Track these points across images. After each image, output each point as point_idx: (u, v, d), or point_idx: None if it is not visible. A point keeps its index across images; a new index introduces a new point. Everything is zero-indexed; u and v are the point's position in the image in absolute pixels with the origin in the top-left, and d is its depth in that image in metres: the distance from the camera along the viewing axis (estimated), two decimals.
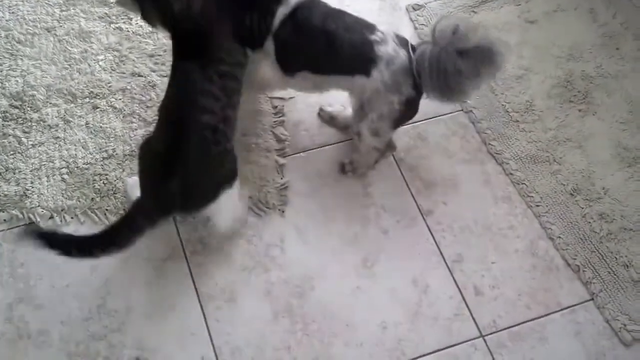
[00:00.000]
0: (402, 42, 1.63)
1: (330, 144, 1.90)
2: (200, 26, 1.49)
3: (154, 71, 1.96)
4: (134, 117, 1.88)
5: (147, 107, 1.90)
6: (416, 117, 1.92)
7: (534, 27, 2.13)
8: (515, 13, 2.16)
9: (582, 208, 1.82)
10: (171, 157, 1.41)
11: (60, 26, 2.03)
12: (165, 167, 1.41)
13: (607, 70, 2.06)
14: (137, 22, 2.02)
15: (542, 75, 2.05)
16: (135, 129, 1.86)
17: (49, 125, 1.85)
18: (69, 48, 1.99)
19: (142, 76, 1.95)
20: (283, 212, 1.78)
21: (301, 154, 1.88)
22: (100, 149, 1.81)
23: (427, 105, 1.95)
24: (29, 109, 1.87)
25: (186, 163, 1.41)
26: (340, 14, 1.66)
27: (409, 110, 1.68)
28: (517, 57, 2.07)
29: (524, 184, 1.86)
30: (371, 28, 1.64)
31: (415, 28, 2.12)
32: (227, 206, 1.58)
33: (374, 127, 1.69)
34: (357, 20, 1.67)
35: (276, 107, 1.94)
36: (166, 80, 1.89)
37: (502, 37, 2.09)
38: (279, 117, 1.92)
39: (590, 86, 2.03)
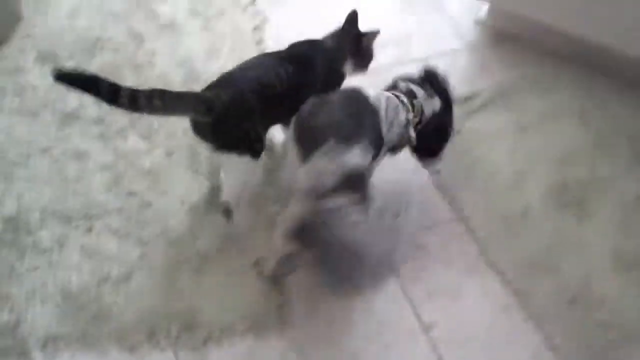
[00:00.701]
0: None
1: None
2: None
3: (149, 190, 1.98)
4: (130, 238, 1.88)
5: (142, 227, 1.90)
6: (414, 226, 1.97)
7: (526, 133, 2.18)
8: (507, 120, 2.21)
9: (583, 316, 1.82)
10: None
11: (56, 146, 2.05)
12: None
13: (601, 174, 2.10)
14: (134, 140, 2.05)
15: (536, 181, 2.08)
16: (131, 251, 1.86)
17: (43, 248, 1.85)
18: (64, 169, 2.01)
19: (137, 195, 1.97)
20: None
21: None
22: (95, 272, 1.81)
23: (425, 214, 2.00)
24: (23, 232, 1.87)
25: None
26: None
27: None
28: (511, 164, 2.11)
29: (524, 293, 1.86)
30: None
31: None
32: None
33: None
34: None
35: None
36: (163, 198, 1.95)
37: (496, 144, 2.15)
38: None
39: (585, 190, 2.06)
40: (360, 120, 1.68)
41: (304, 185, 1.63)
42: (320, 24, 1.99)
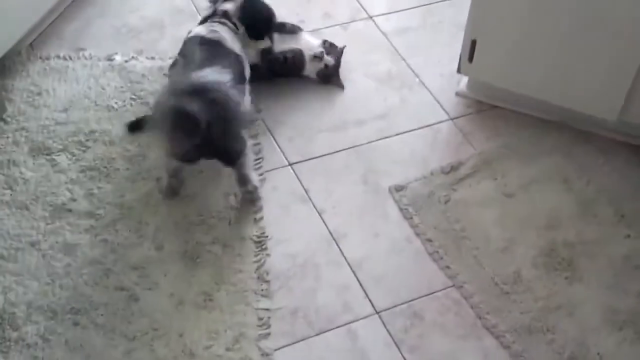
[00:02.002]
0: None
1: None
2: None
3: (137, 284, 2.03)
4: (115, 334, 1.91)
5: (129, 322, 1.94)
6: (410, 295, 2.05)
7: (512, 200, 2.29)
8: (493, 188, 2.32)
9: None
10: None
11: (45, 240, 2.10)
12: None
13: (588, 236, 2.20)
14: (123, 234, 2.11)
15: (525, 246, 2.18)
16: (116, 346, 1.89)
17: (27, 344, 1.88)
18: (53, 262, 2.05)
19: (125, 290, 2.01)
20: None
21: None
22: None
23: (420, 282, 2.09)
24: (8, 327, 1.90)
25: None
26: None
27: None
28: (500, 230, 2.21)
29: (522, 356, 1.94)
30: None
31: (400, 209, 2.27)
32: None
33: None
34: None
35: (262, 318, 2.00)
36: (151, 292, 1.99)
37: (484, 212, 2.26)
38: (265, 329, 1.98)
39: (574, 253, 2.16)
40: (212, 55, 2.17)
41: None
42: None
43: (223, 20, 2.32)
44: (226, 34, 2.28)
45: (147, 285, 2.03)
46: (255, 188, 2.22)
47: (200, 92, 1.92)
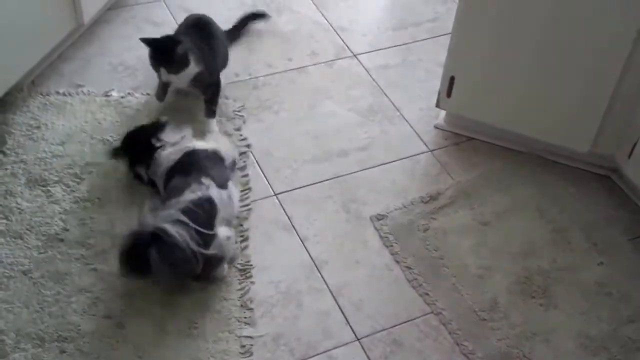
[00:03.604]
0: None
1: None
2: None
3: (123, 312, 1.90)
4: None
5: (114, 349, 1.82)
6: (390, 321, 1.91)
7: (488, 228, 2.15)
8: (469, 216, 2.18)
9: None
10: None
11: (37, 269, 1.98)
12: None
13: (561, 264, 2.07)
14: (113, 263, 1.97)
15: (501, 274, 2.04)
16: None
17: None
18: (43, 291, 1.93)
19: (111, 318, 1.89)
20: None
21: None
22: None
23: (400, 308, 1.95)
24: None
25: None
26: None
27: None
28: (477, 258, 2.07)
29: None
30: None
31: (381, 237, 2.13)
32: None
33: None
34: None
35: (244, 346, 1.87)
36: (135, 320, 1.86)
37: (462, 240, 2.12)
38: (247, 357, 1.84)
39: (548, 280, 2.02)
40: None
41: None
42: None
43: None
44: None
45: (133, 312, 1.90)
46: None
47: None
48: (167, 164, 2.08)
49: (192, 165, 2.04)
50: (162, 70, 2.27)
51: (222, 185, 2.00)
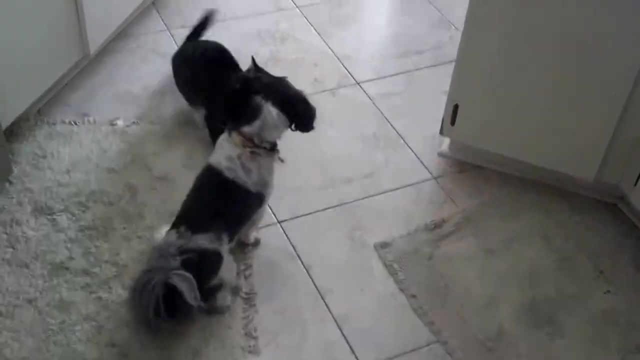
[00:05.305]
0: None
1: None
2: None
3: (127, 341, 1.89)
4: None
5: None
6: (395, 350, 1.90)
7: (494, 256, 2.14)
8: (475, 244, 2.17)
9: None
10: None
11: (42, 297, 1.97)
12: None
13: (568, 292, 2.05)
14: (118, 291, 1.97)
15: (507, 302, 2.02)
16: None
17: None
18: (48, 319, 1.93)
19: (116, 346, 1.88)
20: None
21: None
22: None
23: (405, 337, 1.93)
24: None
25: None
26: None
27: None
28: (483, 286, 2.06)
29: None
30: None
31: (385, 265, 2.12)
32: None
33: None
34: None
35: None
36: (139, 348, 1.86)
37: (467, 268, 2.11)
38: None
39: (554, 309, 2.00)
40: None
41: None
42: None
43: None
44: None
45: (137, 340, 1.89)
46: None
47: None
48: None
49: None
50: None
51: None
